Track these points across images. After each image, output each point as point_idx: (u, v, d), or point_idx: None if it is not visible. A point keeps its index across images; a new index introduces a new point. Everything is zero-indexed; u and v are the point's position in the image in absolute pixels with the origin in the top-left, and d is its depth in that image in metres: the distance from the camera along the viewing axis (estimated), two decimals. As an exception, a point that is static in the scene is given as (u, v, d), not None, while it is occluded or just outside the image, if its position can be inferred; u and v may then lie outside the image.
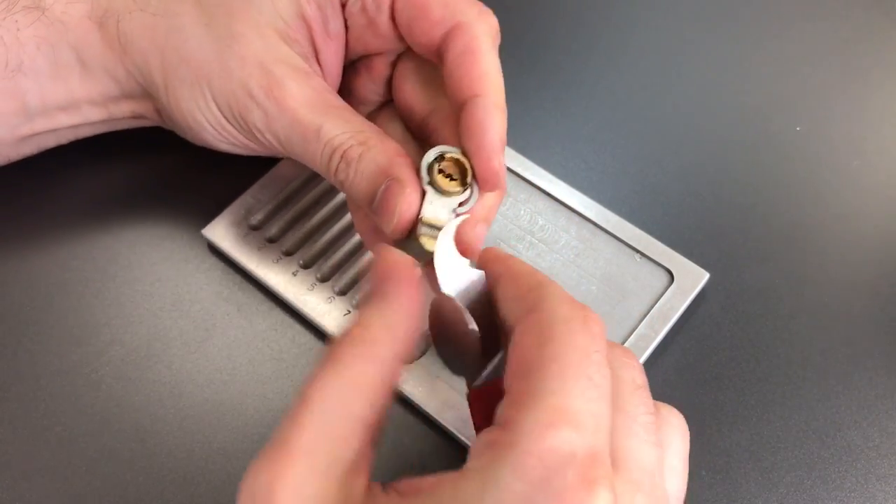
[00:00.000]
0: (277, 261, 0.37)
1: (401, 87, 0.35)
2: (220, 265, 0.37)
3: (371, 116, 0.36)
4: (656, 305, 0.36)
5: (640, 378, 0.25)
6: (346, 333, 0.23)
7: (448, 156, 0.30)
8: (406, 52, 0.34)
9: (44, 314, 0.36)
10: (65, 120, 0.36)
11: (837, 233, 0.40)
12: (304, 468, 0.20)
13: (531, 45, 0.47)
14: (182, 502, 0.32)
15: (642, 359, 0.34)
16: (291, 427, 0.21)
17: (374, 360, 0.22)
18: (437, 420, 0.33)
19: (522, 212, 0.38)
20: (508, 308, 0.25)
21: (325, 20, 0.33)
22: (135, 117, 0.37)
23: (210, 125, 0.33)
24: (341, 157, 0.30)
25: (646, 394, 0.25)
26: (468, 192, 0.29)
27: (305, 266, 0.37)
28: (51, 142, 0.37)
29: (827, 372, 0.35)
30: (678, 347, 0.36)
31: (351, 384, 0.22)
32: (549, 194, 0.39)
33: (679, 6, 0.49)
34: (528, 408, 0.21)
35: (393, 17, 0.32)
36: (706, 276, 0.37)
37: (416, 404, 0.33)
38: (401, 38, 0.33)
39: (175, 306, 0.36)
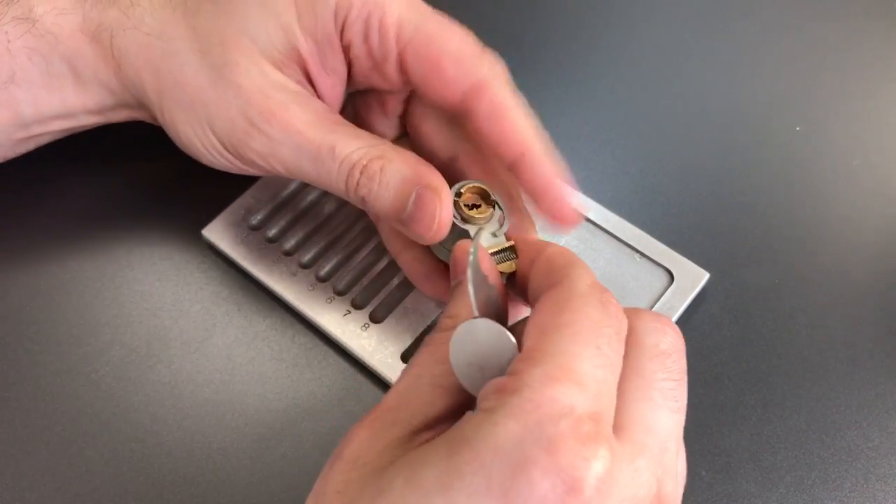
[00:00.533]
0: (277, 261, 0.37)
1: (419, 129, 0.34)
2: (220, 265, 0.37)
3: None
4: (656, 305, 0.36)
5: (668, 343, 0.25)
6: (438, 323, 0.27)
7: (466, 188, 0.31)
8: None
9: (44, 314, 0.36)
10: (60, 125, 0.36)
11: (837, 233, 0.40)
12: (385, 421, 0.24)
13: (531, 45, 0.47)
14: (182, 502, 0.32)
15: (642, 359, 0.34)
16: (387, 393, 0.25)
17: None
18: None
19: (522, 212, 0.38)
20: (536, 285, 0.26)
21: (322, 56, 0.32)
22: (133, 119, 0.37)
23: (206, 149, 0.33)
24: (361, 172, 0.30)
25: (670, 360, 0.24)
26: (495, 211, 0.31)
27: (305, 266, 0.37)
28: (47, 139, 0.37)
29: (827, 372, 0.35)
30: (678, 347, 0.36)
31: (437, 358, 0.24)
32: (549, 194, 0.39)
33: (679, 6, 0.49)
34: (537, 362, 0.22)
35: (401, 68, 0.32)
36: (706, 276, 0.37)
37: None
38: (410, 82, 0.32)
39: (175, 306, 0.36)
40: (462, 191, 0.31)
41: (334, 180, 0.31)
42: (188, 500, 0.32)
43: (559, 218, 0.31)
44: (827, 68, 0.46)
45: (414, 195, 0.29)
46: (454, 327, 0.24)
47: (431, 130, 0.34)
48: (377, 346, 0.34)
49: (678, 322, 0.36)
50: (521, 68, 0.46)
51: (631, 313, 0.25)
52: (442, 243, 0.32)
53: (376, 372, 0.34)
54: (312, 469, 0.32)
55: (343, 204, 0.39)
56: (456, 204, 0.31)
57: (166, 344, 0.35)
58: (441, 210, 0.29)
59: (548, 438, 0.20)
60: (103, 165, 0.40)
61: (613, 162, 0.42)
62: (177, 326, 0.36)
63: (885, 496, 0.32)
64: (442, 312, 0.27)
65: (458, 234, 0.31)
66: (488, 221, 0.31)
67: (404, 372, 0.25)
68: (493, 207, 0.31)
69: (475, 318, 0.24)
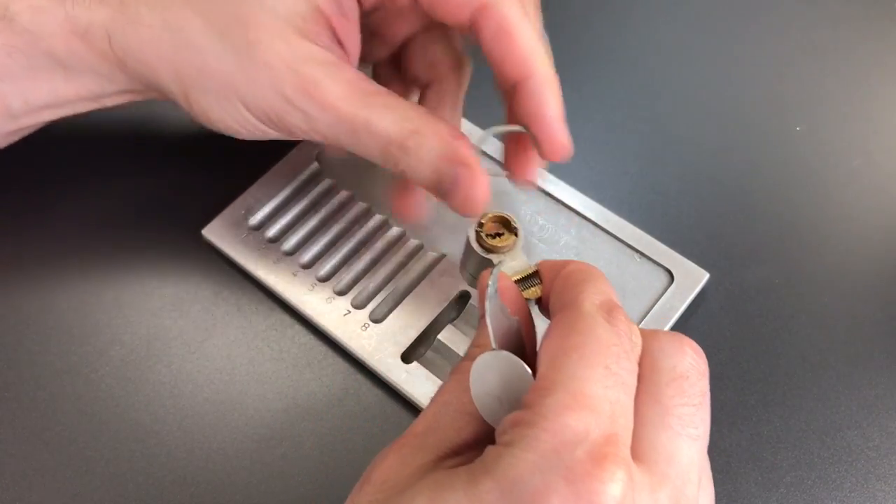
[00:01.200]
0: (277, 261, 0.37)
1: (412, 59, 0.36)
2: (220, 265, 0.37)
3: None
4: (656, 305, 0.36)
5: (686, 365, 0.24)
6: (466, 353, 0.27)
7: (487, 218, 0.32)
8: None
9: (44, 314, 0.36)
10: (52, 115, 0.35)
11: (837, 233, 0.40)
12: (413, 446, 0.24)
13: (531, 45, 0.47)
14: (182, 502, 0.32)
15: (642, 359, 0.34)
16: (416, 419, 0.25)
17: None
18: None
19: (523, 212, 0.38)
20: (552, 308, 0.26)
21: (339, 4, 0.32)
22: (138, 100, 0.36)
23: (243, 127, 0.33)
24: (397, 148, 0.30)
25: (688, 384, 0.24)
26: (518, 238, 0.32)
27: (305, 266, 0.37)
28: (40, 125, 0.36)
29: (827, 372, 0.35)
30: (678, 347, 0.36)
31: (464, 387, 0.24)
32: (549, 194, 0.39)
33: (679, 6, 0.49)
34: (549, 392, 0.22)
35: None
36: (706, 276, 0.37)
37: (417, 404, 0.33)
38: (421, 15, 0.33)
39: (175, 306, 0.36)
40: (484, 221, 0.32)
41: (372, 153, 0.31)
42: (188, 500, 0.32)
43: (551, 151, 0.31)
44: (827, 68, 0.46)
45: (450, 173, 0.30)
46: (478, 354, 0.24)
47: (421, 59, 0.35)
48: (377, 346, 0.34)
49: (678, 322, 0.36)
50: (521, 68, 0.46)
51: (648, 335, 0.25)
52: (467, 269, 0.33)
53: (376, 372, 0.34)
54: (312, 469, 0.32)
55: (343, 205, 0.39)
56: (478, 234, 0.32)
57: (166, 344, 0.35)
58: (475, 189, 0.30)
59: (565, 466, 0.21)
60: (103, 165, 0.40)
61: (613, 162, 0.42)
62: (177, 326, 0.36)
63: (885, 496, 0.32)
64: (471, 341, 0.28)
65: (481, 262, 0.32)
66: (511, 250, 0.31)
67: (433, 399, 0.26)
68: (516, 235, 0.32)
69: (493, 350, 0.24)
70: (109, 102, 0.35)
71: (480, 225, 0.32)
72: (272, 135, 0.33)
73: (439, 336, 0.35)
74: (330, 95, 0.30)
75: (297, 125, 0.31)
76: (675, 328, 0.35)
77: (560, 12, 0.49)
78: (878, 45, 0.47)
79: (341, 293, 0.36)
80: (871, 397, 0.35)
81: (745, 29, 0.48)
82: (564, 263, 0.28)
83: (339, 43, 0.33)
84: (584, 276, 0.26)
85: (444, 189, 0.30)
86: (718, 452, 0.33)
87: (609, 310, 0.24)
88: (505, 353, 0.24)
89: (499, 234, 0.32)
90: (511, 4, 0.30)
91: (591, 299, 0.25)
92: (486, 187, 0.30)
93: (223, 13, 0.32)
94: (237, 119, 0.32)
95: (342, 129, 0.31)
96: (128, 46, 0.32)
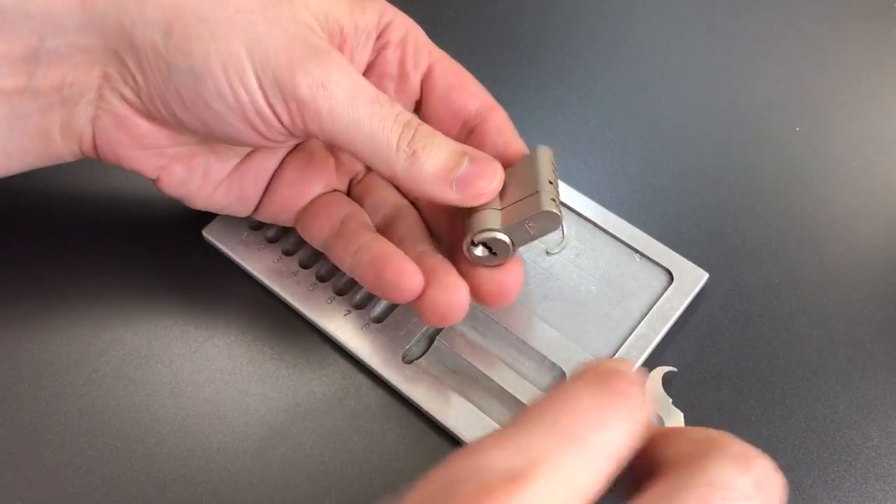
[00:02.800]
0: (278, 261, 0.37)
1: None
2: (221, 265, 0.37)
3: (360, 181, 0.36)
4: (656, 305, 0.36)
5: (733, 480, 0.21)
6: None
7: (482, 237, 0.30)
8: None
9: (44, 314, 0.36)
10: None
11: (837, 233, 0.40)
12: None
13: (531, 45, 0.47)
14: (182, 502, 0.32)
15: (641, 359, 0.34)
16: None
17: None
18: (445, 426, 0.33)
19: (522, 212, 0.38)
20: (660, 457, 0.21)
21: (354, 45, 0.32)
22: (64, 102, 0.29)
23: (228, 84, 0.27)
24: (418, 127, 0.29)
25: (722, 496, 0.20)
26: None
27: (305, 266, 0.37)
28: None
29: (826, 372, 0.35)
30: (678, 347, 0.36)
31: None
32: (548, 194, 0.39)
33: (679, 6, 0.49)
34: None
35: (425, 78, 0.33)
36: (706, 276, 0.37)
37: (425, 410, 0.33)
38: (418, 100, 0.34)
39: (175, 306, 0.36)
40: (475, 240, 0.30)
41: (387, 128, 0.28)
42: (188, 500, 0.32)
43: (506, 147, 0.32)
44: (826, 68, 0.46)
45: (468, 157, 0.29)
46: None
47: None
48: (377, 346, 0.34)
49: (678, 322, 0.36)
50: (521, 68, 0.46)
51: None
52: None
53: (376, 372, 0.34)
54: (312, 469, 0.32)
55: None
56: (475, 245, 0.30)
57: (166, 344, 0.35)
58: (498, 170, 0.30)
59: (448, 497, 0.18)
60: (103, 165, 0.40)
61: (613, 162, 0.42)
62: (177, 326, 0.36)
63: (885, 496, 0.32)
64: None
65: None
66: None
67: None
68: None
69: None
70: (41, 77, 0.29)
71: (472, 242, 0.30)
72: (241, 120, 0.28)
73: (439, 336, 0.35)
74: (353, 71, 0.29)
75: (313, 79, 0.27)
76: (674, 328, 0.35)
77: (560, 12, 0.49)
78: (878, 46, 0.47)
79: (341, 293, 0.36)
80: (870, 397, 0.35)
81: (744, 29, 0.48)
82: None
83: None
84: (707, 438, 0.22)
85: (462, 172, 0.29)
86: (718, 452, 0.33)
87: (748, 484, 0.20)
88: None
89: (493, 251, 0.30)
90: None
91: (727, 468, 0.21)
92: (502, 176, 0.30)
93: None
94: (229, 69, 0.27)
95: (362, 93, 0.28)
96: None
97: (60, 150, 0.31)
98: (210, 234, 0.37)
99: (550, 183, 0.30)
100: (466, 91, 0.33)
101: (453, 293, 0.30)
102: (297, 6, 0.29)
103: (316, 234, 0.34)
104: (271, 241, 0.37)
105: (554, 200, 0.29)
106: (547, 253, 0.37)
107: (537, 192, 0.29)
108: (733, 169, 0.42)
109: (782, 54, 0.47)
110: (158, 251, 0.38)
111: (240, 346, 0.35)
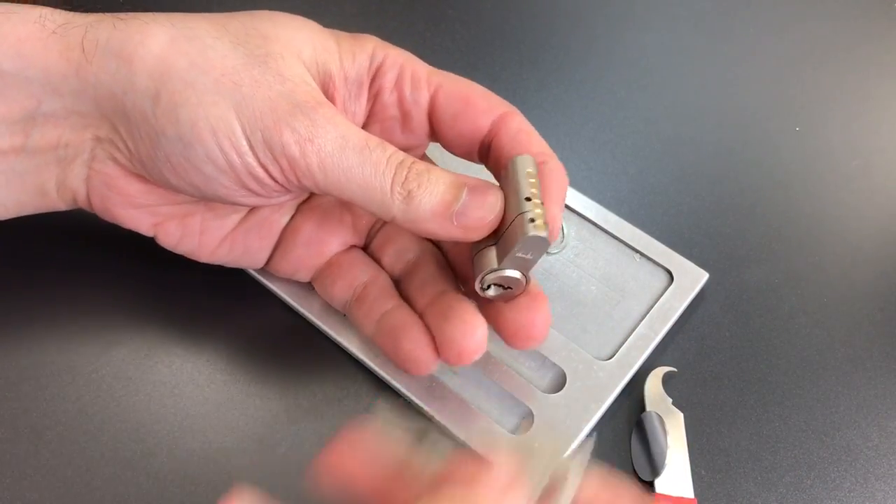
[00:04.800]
0: (277, 261, 0.37)
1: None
2: (220, 266, 0.37)
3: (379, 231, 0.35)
4: (656, 305, 0.36)
5: None
6: None
7: (488, 280, 0.29)
8: None
9: (44, 314, 0.36)
10: None
11: (837, 233, 0.40)
12: None
13: (531, 45, 0.47)
14: (182, 502, 0.32)
15: (641, 359, 0.34)
16: None
17: None
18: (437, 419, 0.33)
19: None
20: None
21: (347, 96, 0.31)
22: (59, 161, 0.30)
23: (217, 145, 0.27)
24: (410, 167, 0.28)
25: None
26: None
27: (305, 266, 0.37)
28: None
29: (826, 372, 0.35)
30: (678, 347, 0.36)
31: None
32: (548, 194, 0.39)
33: (679, 6, 0.49)
34: None
35: (430, 110, 0.32)
36: (705, 276, 0.37)
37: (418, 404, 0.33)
38: (430, 135, 0.32)
39: (175, 306, 0.36)
40: (486, 278, 0.29)
41: (380, 172, 0.28)
42: (188, 500, 0.32)
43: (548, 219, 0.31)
44: (826, 69, 0.46)
45: (466, 189, 0.28)
46: None
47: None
48: (377, 347, 0.34)
49: (678, 322, 0.36)
50: (521, 68, 0.46)
51: None
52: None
53: (376, 372, 0.34)
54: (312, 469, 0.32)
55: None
56: (486, 281, 0.29)
57: (166, 344, 0.35)
58: (498, 199, 0.28)
59: None
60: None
61: (613, 162, 0.42)
62: (177, 327, 0.36)
63: (885, 496, 0.32)
64: None
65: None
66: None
67: None
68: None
69: None
70: (38, 137, 0.30)
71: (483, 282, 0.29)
72: (231, 178, 0.28)
73: (439, 336, 0.35)
74: (340, 116, 0.28)
75: (298, 135, 0.27)
76: (674, 328, 0.36)
77: (560, 12, 0.49)
78: (878, 46, 0.47)
79: (341, 293, 0.36)
80: (870, 397, 0.35)
81: (744, 29, 0.48)
82: None
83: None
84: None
85: (461, 205, 0.28)
86: (718, 452, 0.33)
87: None
88: None
89: (507, 287, 0.30)
90: (523, 118, 0.31)
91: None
92: (502, 205, 0.28)
93: (247, 29, 0.29)
94: (217, 129, 0.27)
95: (350, 143, 0.28)
96: (108, 38, 0.28)
97: (56, 203, 0.32)
98: (210, 234, 0.37)
99: (528, 200, 0.28)
100: (474, 110, 0.31)
101: (470, 332, 0.29)
102: (287, 59, 0.29)
103: (337, 297, 0.33)
104: (271, 241, 0.37)
105: (534, 221, 0.27)
106: (547, 253, 0.37)
107: (521, 211, 0.28)
108: (733, 169, 0.42)
109: (782, 54, 0.47)
110: (158, 252, 0.38)
111: (240, 347, 0.35)
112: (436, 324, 0.30)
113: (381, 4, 0.48)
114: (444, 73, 0.32)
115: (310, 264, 0.34)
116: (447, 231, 0.28)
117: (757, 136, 0.43)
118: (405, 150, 0.29)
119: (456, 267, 0.33)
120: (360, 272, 0.33)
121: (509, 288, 0.29)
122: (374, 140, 0.28)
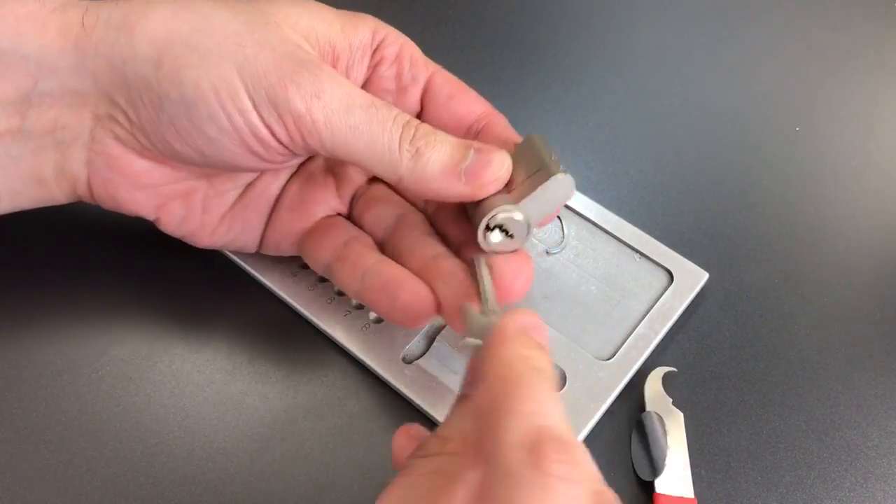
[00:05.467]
0: (278, 262, 0.37)
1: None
2: (221, 266, 0.37)
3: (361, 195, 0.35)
4: (656, 305, 0.36)
5: None
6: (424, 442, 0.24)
7: (497, 219, 0.29)
8: None
9: (44, 313, 0.36)
10: None
11: (837, 233, 0.40)
12: None
13: (531, 45, 0.47)
14: (182, 502, 0.32)
15: (641, 359, 0.34)
16: None
17: None
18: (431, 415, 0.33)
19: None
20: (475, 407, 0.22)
21: (349, 64, 0.32)
22: (58, 145, 0.30)
23: (221, 104, 0.27)
24: (418, 126, 0.28)
25: None
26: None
27: (306, 267, 0.37)
28: None
29: (826, 372, 0.35)
30: (678, 347, 0.36)
31: None
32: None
33: (679, 7, 0.49)
34: None
35: (425, 90, 0.33)
36: (705, 276, 0.37)
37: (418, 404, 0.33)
38: (419, 114, 0.33)
39: (175, 306, 0.36)
40: (491, 225, 0.29)
41: (387, 129, 0.28)
42: (188, 500, 0.32)
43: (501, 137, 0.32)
44: (826, 68, 0.46)
45: (473, 149, 0.28)
46: (432, 454, 0.22)
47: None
48: (377, 347, 0.34)
49: (678, 322, 0.36)
50: (521, 68, 0.46)
51: None
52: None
53: (376, 372, 0.34)
54: (312, 469, 0.32)
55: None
56: (490, 230, 0.29)
57: (167, 344, 0.35)
58: (506, 156, 0.29)
59: None
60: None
61: (613, 162, 0.42)
62: (177, 327, 0.36)
63: (885, 496, 0.32)
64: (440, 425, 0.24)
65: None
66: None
67: None
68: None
69: None
70: (34, 119, 0.29)
71: (488, 227, 0.29)
72: (235, 138, 0.28)
73: (439, 337, 0.35)
74: (345, 81, 0.28)
75: (304, 92, 0.27)
76: (674, 328, 0.36)
77: (560, 12, 0.49)
78: (878, 46, 0.47)
79: (341, 294, 0.36)
80: (870, 397, 0.35)
81: (744, 29, 0.48)
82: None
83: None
84: (510, 382, 0.21)
85: (469, 164, 0.28)
86: (718, 452, 0.33)
87: (534, 448, 0.19)
88: None
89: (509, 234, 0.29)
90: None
91: (513, 434, 0.20)
92: (510, 165, 0.29)
93: (245, 6, 0.29)
94: (220, 89, 0.27)
95: (357, 100, 0.28)
96: (109, 14, 0.28)
97: (54, 193, 0.32)
98: (210, 234, 0.37)
99: (553, 157, 0.29)
100: (468, 97, 0.33)
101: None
102: (284, 27, 0.29)
103: (320, 259, 0.33)
104: (271, 241, 0.37)
105: (563, 169, 0.28)
106: (547, 253, 0.37)
107: (542, 166, 0.28)
108: (733, 169, 0.42)
109: (782, 54, 0.47)
110: (158, 252, 0.38)
111: (240, 346, 0.35)
112: (442, 280, 0.30)
113: (381, 4, 0.48)
114: (441, 66, 0.33)
115: (295, 229, 0.34)
116: (456, 190, 0.28)
117: (757, 136, 0.43)
118: None
119: (438, 231, 0.33)
120: (342, 232, 0.33)
121: (511, 236, 0.29)
122: (379, 100, 0.28)
